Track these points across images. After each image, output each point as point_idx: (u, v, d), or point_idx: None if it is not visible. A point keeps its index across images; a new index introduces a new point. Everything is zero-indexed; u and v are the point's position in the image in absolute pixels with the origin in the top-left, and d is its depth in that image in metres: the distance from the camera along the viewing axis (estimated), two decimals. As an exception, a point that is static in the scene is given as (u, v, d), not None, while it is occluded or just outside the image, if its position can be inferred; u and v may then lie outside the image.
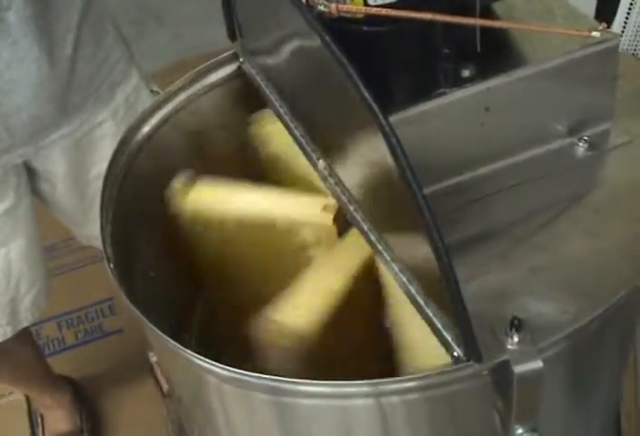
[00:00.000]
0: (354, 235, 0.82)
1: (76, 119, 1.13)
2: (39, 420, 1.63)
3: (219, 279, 0.99)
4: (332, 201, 0.84)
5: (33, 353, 1.49)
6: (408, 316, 0.74)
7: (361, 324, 0.87)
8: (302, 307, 0.82)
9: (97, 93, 1.14)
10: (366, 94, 0.58)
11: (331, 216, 0.85)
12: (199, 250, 0.95)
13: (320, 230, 0.86)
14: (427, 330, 0.68)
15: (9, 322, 1.25)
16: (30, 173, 1.19)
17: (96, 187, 1.18)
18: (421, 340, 0.73)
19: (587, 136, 0.81)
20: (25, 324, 1.28)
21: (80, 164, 1.19)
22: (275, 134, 0.94)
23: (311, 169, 0.84)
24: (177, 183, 0.92)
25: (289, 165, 0.93)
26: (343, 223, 0.84)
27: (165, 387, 1.56)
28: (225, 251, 0.94)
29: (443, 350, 0.66)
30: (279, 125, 0.91)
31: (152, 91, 1.22)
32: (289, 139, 0.89)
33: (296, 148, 0.87)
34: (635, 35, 1.61)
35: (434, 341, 0.67)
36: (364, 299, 0.84)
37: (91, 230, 1.29)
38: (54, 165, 1.17)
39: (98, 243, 1.35)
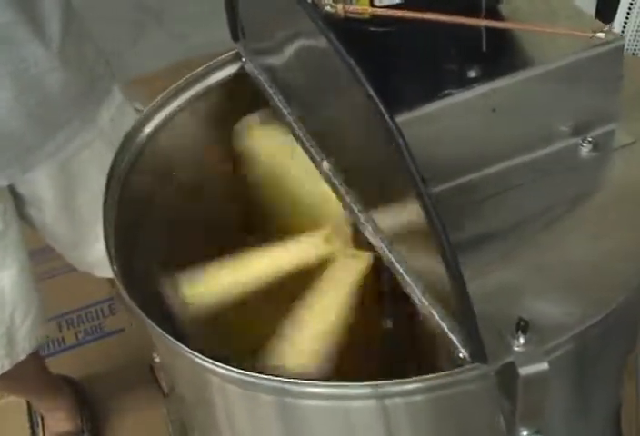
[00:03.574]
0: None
1: (61, 137, 1.09)
2: (39, 420, 1.63)
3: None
4: (328, 229, 0.85)
5: (35, 365, 1.43)
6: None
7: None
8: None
9: (81, 111, 1.10)
10: (373, 95, 0.58)
11: (337, 244, 0.84)
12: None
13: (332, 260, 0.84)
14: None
15: (7, 353, 1.21)
16: (17, 199, 1.15)
17: (87, 211, 1.15)
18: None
19: (592, 137, 0.81)
20: (22, 356, 1.24)
21: (68, 188, 1.15)
22: (265, 139, 0.93)
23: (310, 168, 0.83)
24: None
25: (285, 171, 0.91)
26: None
27: (166, 387, 1.56)
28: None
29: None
30: (267, 130, 0.90)
31: (135, 109, 1.18)
32: (282, 143, 0.88)
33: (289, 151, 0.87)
34: (635, 35, 1.61)
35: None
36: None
37: (85, 255, 1.25)
38: (41, 190, 1.14)
39: (93, 269, 1.33)
